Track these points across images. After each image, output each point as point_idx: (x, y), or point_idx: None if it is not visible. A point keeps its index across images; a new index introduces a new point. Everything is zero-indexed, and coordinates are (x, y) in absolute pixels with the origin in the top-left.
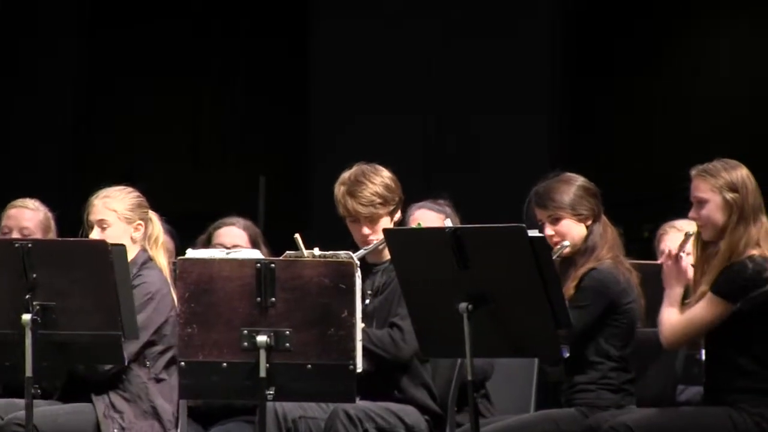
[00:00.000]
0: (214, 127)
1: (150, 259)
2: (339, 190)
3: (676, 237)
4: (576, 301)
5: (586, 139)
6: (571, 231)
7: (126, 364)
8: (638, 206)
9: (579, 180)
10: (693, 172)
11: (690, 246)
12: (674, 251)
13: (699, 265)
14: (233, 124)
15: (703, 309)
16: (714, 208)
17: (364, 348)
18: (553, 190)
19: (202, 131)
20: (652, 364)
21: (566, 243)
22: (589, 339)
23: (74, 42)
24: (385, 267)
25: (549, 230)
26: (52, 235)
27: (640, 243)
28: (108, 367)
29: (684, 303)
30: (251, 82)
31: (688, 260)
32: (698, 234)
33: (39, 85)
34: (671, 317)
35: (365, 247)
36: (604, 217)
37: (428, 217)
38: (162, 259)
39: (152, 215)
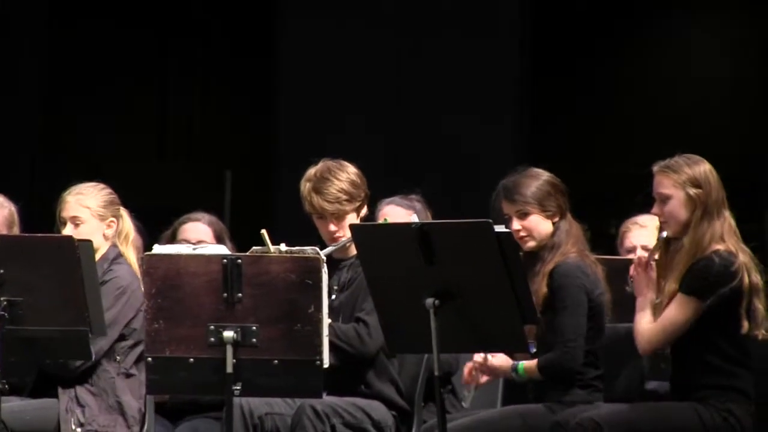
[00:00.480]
0: (180, 121)
1: (120, 254)
2: (305, 186)
3: (639, 233)
4: (560, 305)
5: (551, 136)
6: (538, 226)
7: (93, 359)
8: (604, 202)
9: (546, 176)
10: (655, 168)
11: (653, 240)
12: (644, 258)
13: (662, 262)
14: (199, 118)
15: (676, 311)
16: (677, 204)
17: (329, 342)
18: (522, 185)
19: (168, 125)
20: (619, 360)
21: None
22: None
23: (39, 38)
24: (351, 263)
25: (516, 224)
26: (17, 229)
27: (607, 239)
28: (78, 363)
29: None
30: (217, 75)
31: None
32: (660, 230)
33: (4, 81)
34: (646, 325)
35: (333, 245)
36: (569, 214)
37: (396, 213)
38: (132, 256)
39: (123, 212)
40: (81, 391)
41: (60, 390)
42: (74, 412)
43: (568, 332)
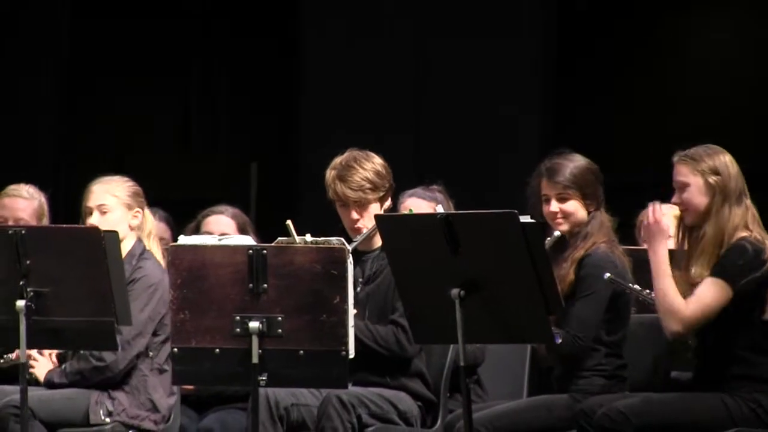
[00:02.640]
0: (205, 113)
1: (146, 249)
2: (330, 174)
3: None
4: (581, 293)
5: (579, 127)
6: (576, 213)
7: (126, 363)
8: (631, 192)
9: (589, 163)
10: (675, 158)
11: (672, 228)
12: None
13: (687, 251)
14: (225, 111)
15: (710, 294)
16: (696, 192)
17: (368, 346)
18: (567, 168)
19: (193, 117)
20: (643, 350)
21: (557, 233)
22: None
23: (63, 30)
24: (375, 255)
25: (554, 206)
26: (46, 220)
27: (632, 229)
28: (121, 366)
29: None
30: (242, 67)
31: (667, 217)
32: (681, 219)
33: (28, 73)
34: (680, 302)
35: (359, 236)
36: (603, 206)
37: (419, 205)
38: (156, 251)
39: (146, 210)
40: (113, 388)
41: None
42: (104, 403)
43: (580, 325)
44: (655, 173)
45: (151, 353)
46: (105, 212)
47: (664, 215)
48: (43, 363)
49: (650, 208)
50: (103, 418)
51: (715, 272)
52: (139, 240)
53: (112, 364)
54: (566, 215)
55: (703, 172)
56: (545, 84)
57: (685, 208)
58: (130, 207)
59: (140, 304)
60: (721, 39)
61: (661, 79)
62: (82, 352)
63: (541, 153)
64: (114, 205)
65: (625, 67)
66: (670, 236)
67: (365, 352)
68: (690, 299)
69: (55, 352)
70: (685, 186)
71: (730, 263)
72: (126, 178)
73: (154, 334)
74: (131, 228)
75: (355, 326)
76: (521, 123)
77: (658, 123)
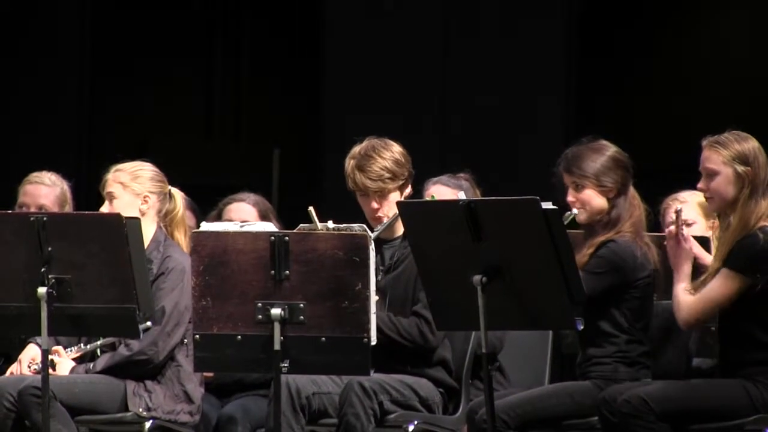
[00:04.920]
0: (227, 99)
1: (167, 236)
2: (349, 164)
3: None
4: (589, 267)
5: (605, 110)
6: (591, 201)
7: (165, 354)
8: (656, 178)
9: (611, 150)
10: (704, 143)
11: (695, 215)
12: (672, 230)
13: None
14: (247, 97)
15: (719, 285)
16: (724, 181)
17: (392, 339)
18: (583, 157)
19: (216, 104)
20: (665, 337)
21: (575, 211)
22: (600, 310)
23: (86, 14)
24: (397, 243)
25: (571, 196)
26: (69, 207)
27: (655, 215)
28: (161, 357)
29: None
30: (265, 53)
31: (688, 232)
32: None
33: (54, 57)
34: (687, 297)
35: (379, 225)
36: (633, 192)
37: (443, 192)
38: (181, 237)
39: (175, 192)
40: (146, 379)
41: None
42: (142, 396)
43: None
44: (677, 157)
45: (185, 340)
46: (113, 199)
47: (686, 229)
48: (65, 363)
49: (666, 230)
50: (141, 411)
51: (727, 264)
52: (161, 226)
53: (153, 356)
54: (583, 204)
55: (733, 160)
56: (568, 68)
57: (711, 195)
58: (137, 194)
59: (177, 294)
60: (743, 22)
61: (684, 62)
62: (117, 349)
63: (567, 139)
64: (119, 192)
65: (647, 51)
66: (694, 253)
67: (386, 340)
68: (699, 293)
69: (74, 354)
70: (713, 174)
71: (742, 255)
72: (144, 163)
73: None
74: (142, 213)
75: (379, 319)
76: (543, 108)
77: (680, 107)
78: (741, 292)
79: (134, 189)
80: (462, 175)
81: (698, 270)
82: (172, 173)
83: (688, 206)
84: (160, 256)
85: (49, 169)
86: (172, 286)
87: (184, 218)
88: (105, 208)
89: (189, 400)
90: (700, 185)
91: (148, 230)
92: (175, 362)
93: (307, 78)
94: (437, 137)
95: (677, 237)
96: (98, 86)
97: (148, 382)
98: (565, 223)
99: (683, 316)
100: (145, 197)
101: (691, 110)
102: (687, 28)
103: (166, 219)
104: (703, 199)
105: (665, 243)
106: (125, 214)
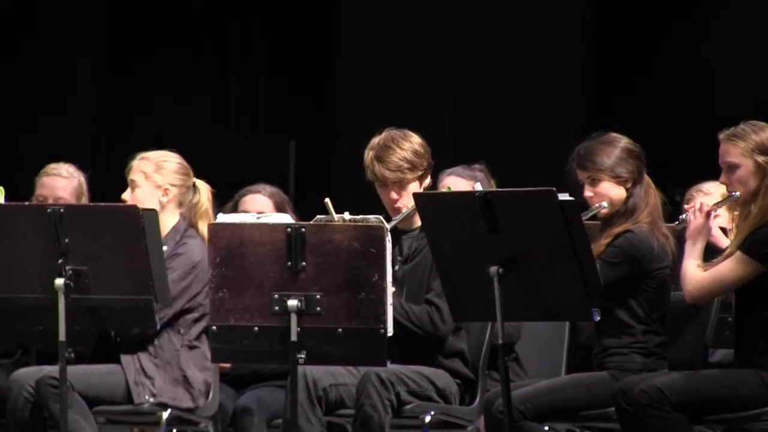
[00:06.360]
0: (243, 92)
1: (190, 227)
2: (368, 155)
3: (704, 201)
4: (605, 256)
5: (618, 101)
6: (609, 193)
7: (158, 328)
8: (670, 169)
9: (622, 141)
10: (721, 137)
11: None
12: (708, 207)
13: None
14: (263, 89)
15: (731, 267)
16: (746, 174)
17: (402, 325)
18: (595, 151)
19: (232, 96)
20: (683, 327)
21: (605, 203)
22: (617, 300)
23: (103, 8)
24: (415, 234)
25: (588, 192)
26: (85, 199)
27: (671, 206)
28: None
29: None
30: (280, 45)
31: (716, 220)
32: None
33: (71, 50)
34: (696, 272)
35: (398, 215)
36: (648, 181)
37: (458, 183)
38: (205, 229)
39: (201, 185)
40: (146, 362)
41: (123, 360)
42: (144, 384)
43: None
44: (693, 151)
45: (182, 330)
46: (134, 188)
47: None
48: None
49: (699, 203)
50: (147, 398)
51: (743, 248)
52: (183, 217)
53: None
54: (601, 197)
55: (752, 152)
56: (584, 63)
57: (734, 189)
58: (159, 185)
59: (181, 274)
60: (762, 15)
61: (700, 55)
62: None
63: (580, 133)
64: (142, 181)
65: (664, 45)
66: (712, 236)
67: (402, 332)
68: (710, 270)
69: None
70: (734, 167)
71: (756, 240)
72: (171, 154)
73: (187, 311)
74: (162, 205)
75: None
76: (559, 103)
77: (698, 100)
78: (751, 277)
79: (156, 180)
80: (477, 166)
81: (711, 251)
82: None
83: (712, 198)
84: (173, 243)
85: (66, 161)
86: (178, 266)
87: (208, 211)
88: (127, 195)
89: (189, 384)
90: (721, 179)
91: (169, 221)
92: (174, 347)
93: (323, 69)
94: (452, 135)
95: (708, 213)
96: (115, 80)
97: (147, 367)
98: (590, 215)
99: (689, 290)
100: (165, 189)
101: (709, 103)
102: (706, 20)
103: (190, 212)
104: (726, 191)
105: (688, 217)
106: (145, 204)
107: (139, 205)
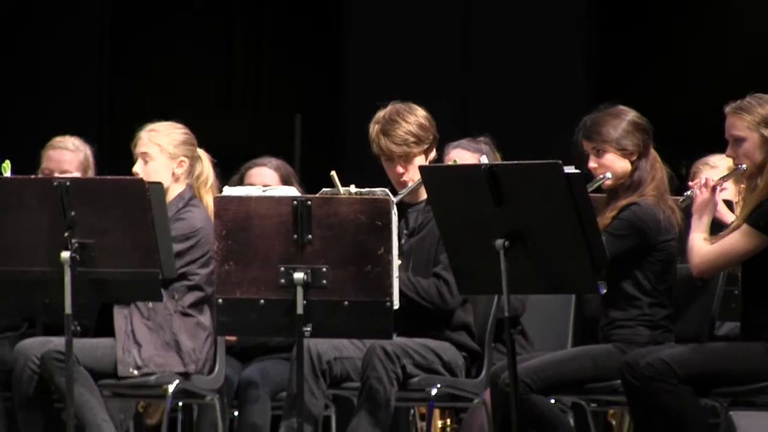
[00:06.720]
0: (249, 64)
1: (195, 196)
2: (373, 128)
3: (710, 174)
4: (611, 229)
5: (625, 75)
6: (613, 165)
7: (163, 300)
8: (676, 143)
9: (630, 114)
10: (727, 110)
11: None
12: (714, 182)
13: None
14: (268, 63)
15: (737, 240)
16: (752, 147)
17: (409, 298)
18: (601, 123)
19: (236, 69)
20: (689, 300)
21: (608, 175)
22: (623, 272)
23: None
24: (421, 207)
25: (593, 163)
26: (92, 172)
27: (678, 179)
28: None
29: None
30: (285, 19)
31: (723, 194)
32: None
33: (73, 28)
34: (703, 246)
35: (404, 189)
36: (654, 155)
37: (463, 156)
38: (210, 201)
39: (202, 155)
40: (138, 325)
41: (117, 326)
42: (131, 352)
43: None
44: (700, 124)
45: (176, 296)
46: (147, 161)
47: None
48: None
49: (704, 179)
50: (131, 371)
51: (749, 221)
52: (190, 187)
53: None
54: (605, 169)
55: (758, 125)
56: (590, 36)
57: (740, 162)
58: (173, 156)
59: (174, 237)
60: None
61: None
62: None
63: (589, 106)
64: (156, 154)
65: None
66: (718, 212)
67: (408, 304)
68: (716, 243)
69: None
70: (740, 140)
71: (762, 213)
72: (177, 125)
73: (183, 277)
74: (175, 177)
75: (398, 279)
76: (568, 81)
77: (705, 71)
78: (758, 250)
79: (171, 152)
80: (482, 139)
81: (716, 226)
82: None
83: (718, 171)
84: (175, 209)
85: (72, 133)
86: (177, 228)
87: (211, 181)
88: (139, 168)
89: (179, 348)
90: (728, 152)
91: (175, 189)
92: (167, 311)
93: (328, 43)
94: (457, 107)
95: (713, 188)
96: (119, 57)
97: (138, 330)
98: (594, 187)
99: (696, 263)
100: (181, 161)
101: (715, 75)
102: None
103: (198, 182)
104: (733, 164)
105: (695, 184)
106: (159, 176)
107: (153, 178)
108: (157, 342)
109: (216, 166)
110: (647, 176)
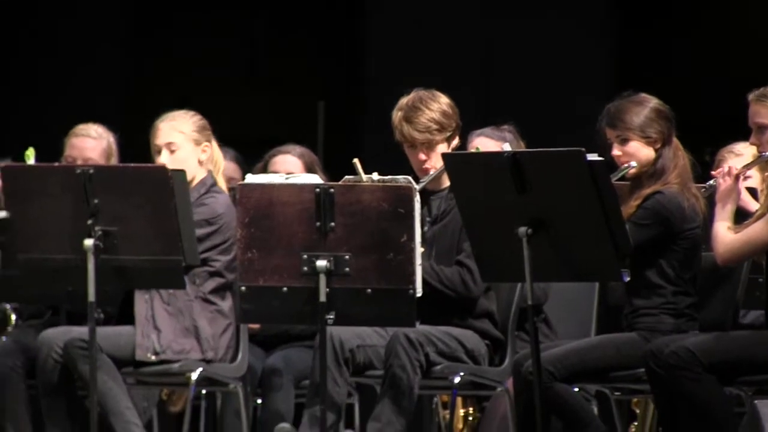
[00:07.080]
0: (272, 51)
1: (215, 183)
2: (396, 115)
3: (735, 162)
4: (635, 218)
5: (649, 59)
6: (638, 153)
7: (186, 287)
8: (700, 130)
9: (652, 102)
10: (750, 97)
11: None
12: (737, 170)
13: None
14: (291, 50)
15: (762, 228)
16: None
17: (433, 287)
18: (625, 110)
19: (259, 55)
20: (713, 289)
21: (633, 163)
22: (648, 261)
23: None
24: (444, 195)
25: (616, 150)
26: (114, 160)
27: (701, 167)
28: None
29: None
30: (309, 6)
31: (748, 181)
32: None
33: (93, 18)
34: (727, 234)
35: (426, 176)
36: (677, 142)
37: (486, 144)
38: (223, 185)
39: (214, 144)
40: (158, 310)
41: (137, 311)
42: (150, 337)
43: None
44: (724, 111)
45: (197, 281)
46: (174, 150)
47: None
48: None
49: (727, 167)
50: (149, 356)
51: None
52: (210, 173)
53: None
54: (630, 157)
55: None
56: (614, 22)
57: (763, 149)
58: (198, 142)
59: (196, 222)
60: None
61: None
62: None
63: (611, 94)
64: (181, 141)
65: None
66: (742, 200)
67: (431, 292)
68: (741, 232)
69: None
70: (764, 127)
71: None
72: (191, 112)
73: (203, 262)
74: (201, 163)
75: (421, 267)
76: (591, 68)
77: (726, 59)
78: None
79: (196, 138)
80: (506, 126)
81: (740, 215)
82: (216, 127)
83: (743, 159)
84: (197, 194)
85: (93, 121)
86: (199, 213)
87: (222, 167)
88: (165, 159)
89: (198, 334)
90: (751, 140)
91: (197, 176)
92: (188, 296)
93: (351, 29)
94: (480, 95)
95: (737, 176)
96: (139, 42)
97: (159, 315)
98: (618, 176)
99: (720, 252)
100: (204, 147)
101: (737, 62)
102: None
103: (214, 169)
104: (757, 152)
105: (717, 181)
106: (188, 164)
107: (183, 167)
108: (177, 327)
109: (238, 150)
110: (670, 164)
